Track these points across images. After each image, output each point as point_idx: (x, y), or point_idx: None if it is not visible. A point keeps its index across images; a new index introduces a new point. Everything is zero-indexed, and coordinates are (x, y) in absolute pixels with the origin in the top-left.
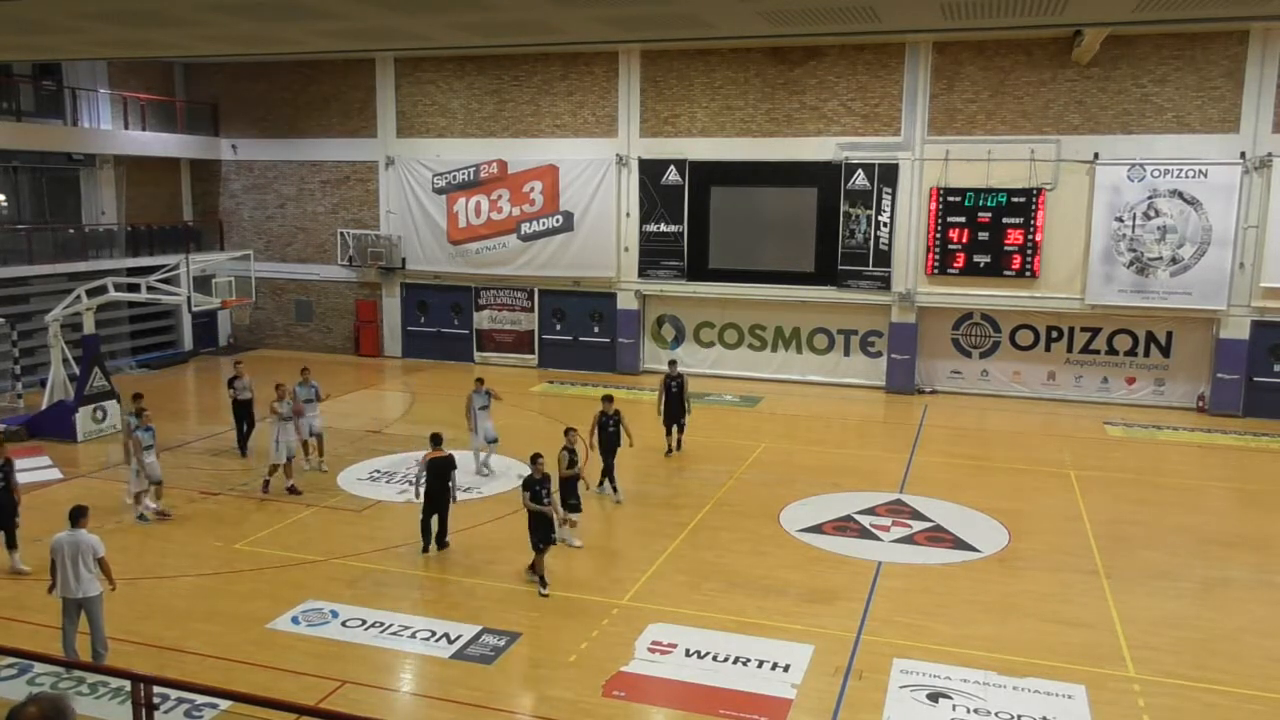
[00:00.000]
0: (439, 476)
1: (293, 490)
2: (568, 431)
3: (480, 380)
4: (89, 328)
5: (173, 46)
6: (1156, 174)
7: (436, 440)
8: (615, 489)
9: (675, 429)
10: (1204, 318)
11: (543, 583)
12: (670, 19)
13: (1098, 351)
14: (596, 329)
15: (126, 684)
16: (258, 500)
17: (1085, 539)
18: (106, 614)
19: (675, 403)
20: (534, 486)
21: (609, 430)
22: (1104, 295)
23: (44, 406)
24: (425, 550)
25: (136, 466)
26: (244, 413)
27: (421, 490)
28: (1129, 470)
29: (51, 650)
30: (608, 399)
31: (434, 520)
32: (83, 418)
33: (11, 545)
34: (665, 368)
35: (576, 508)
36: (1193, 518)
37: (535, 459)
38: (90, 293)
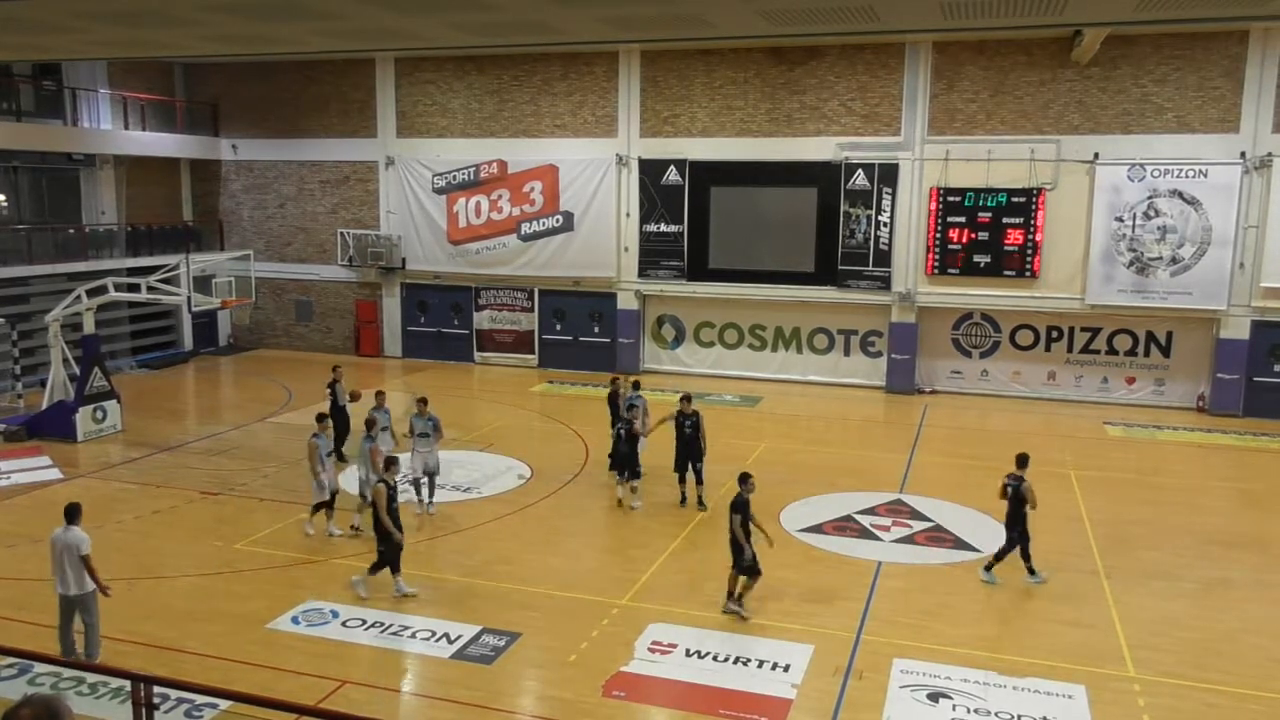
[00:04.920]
0: (679, 430)
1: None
2: (629, 408)
3: (636, 384)
4: (89, 328)
5: (173, 46)
6: (1156, 174)
7: (686, 398)
8: (700, 502)
9: (692, 476)
10: (1204, 318)
11: (738, 601)
12: (670, 19)
13: (1098, 351)
14: (596, 329)
15: (126, 684)
16: (258, 500)
17: (1085, 539)
18: (106, 614)
19: (690, 446)
20: (745, 510)
21: (685, 432)
22: (1104, 295)
23: (44, 406)
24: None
25: (317, 481)
26: (340, 418)
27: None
28: (1129, 470)
29: (51, 650)
30: (686, 398)
31: (689, 473)
32: (83, 418)
33: (395, 570)
34: (668, 367)
35: (638, 474)
36: (1193, 518)
37: (745, 478)
38: (90, 293)
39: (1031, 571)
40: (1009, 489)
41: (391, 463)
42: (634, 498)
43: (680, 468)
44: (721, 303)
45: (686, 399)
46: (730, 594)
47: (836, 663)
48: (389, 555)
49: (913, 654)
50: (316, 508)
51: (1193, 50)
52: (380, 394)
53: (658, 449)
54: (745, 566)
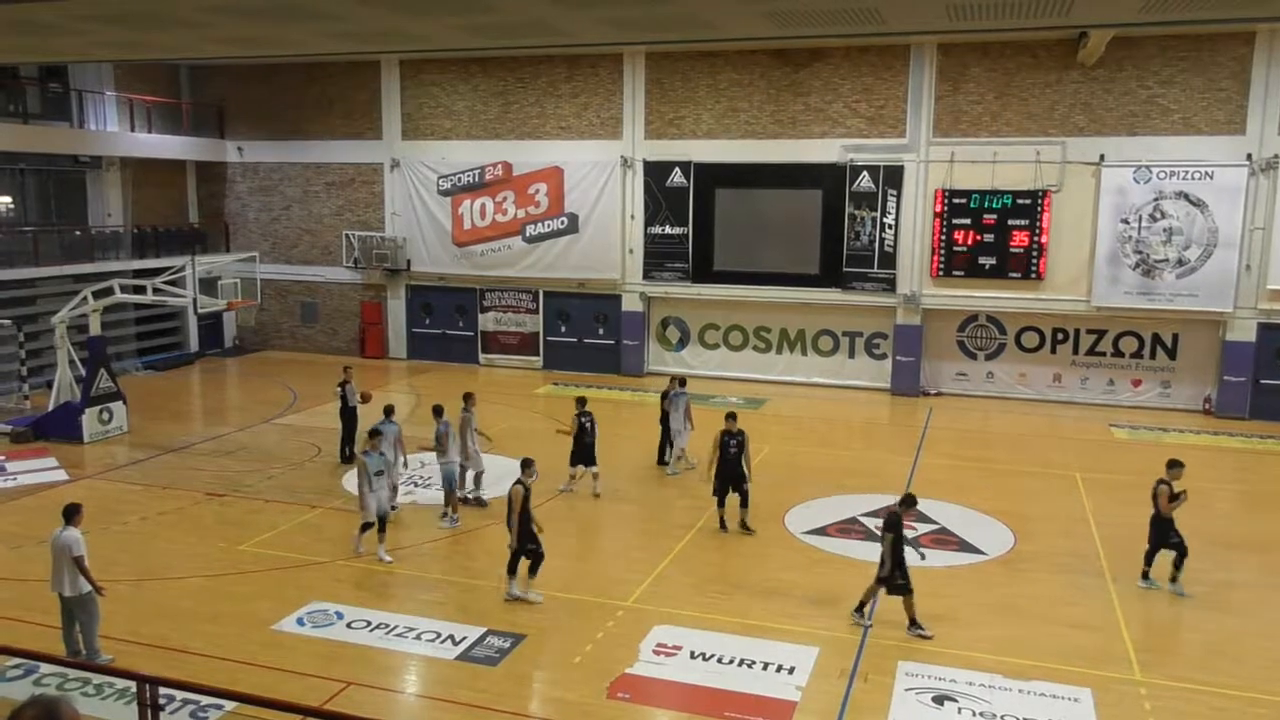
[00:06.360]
0: (724, 450)
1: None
2: (579, 400)
3: (682, 380)
4: (95, 329)
5: (178, 48)
6: (1162, 176)
7: (731, 416)
8: (745, 526)
9: (735, 498)
10: (1210, 320)
11: (860, 612)
12: (675, 20)
13: (1103, 353)
14: (601, 331)
15: (132, 685)
16: (263, 501)
17: (1091, 541)
18: (112, 615)
19: (733, 466)
20: (899, 528)
21: (730, 452)
22: (1110, 297)
23: (50, 408)
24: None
25: (363, 502)
26: (350, 419)
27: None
28: (1135, 473)
29: (57, 651)
30: (731, 416)
31: (728, 498)
32: (89, 419)
33: (512, 571)
34: (673, 369)
35: (591, 462)
36: (1199, 520)
37: (909, 500)
38: (96, 294)
39: (1145, 575)
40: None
41: (528, 464)
42: (595, 484)
43: (721, 490)
44: (726, 305)
45: (732, 417)
46: (912, 620)
47: (841, 665)
48: (530, 554)
49: (918, 657)
50: (364, 527)
51: (1199, 52)
52: (469, 395)
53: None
54: (899, 585)
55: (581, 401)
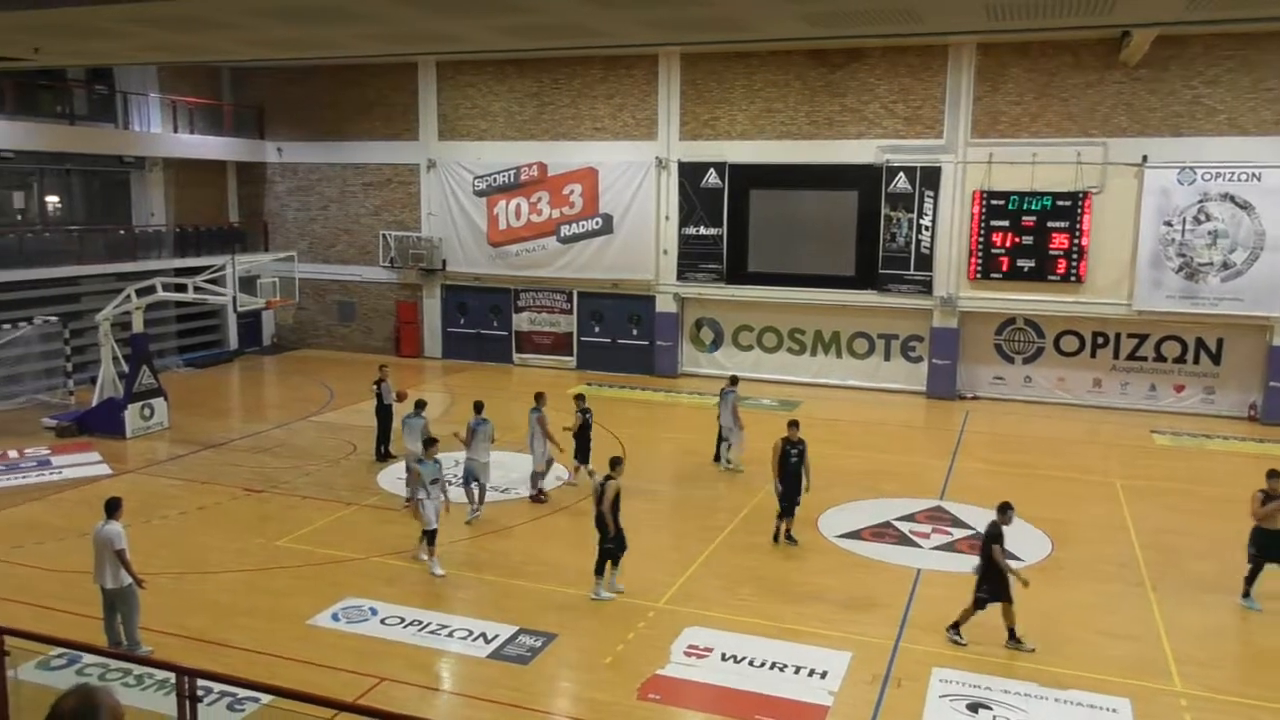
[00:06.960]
0: (785, 459)
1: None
2: (579, 397)
3: (734, 379)
4: (138, 327)
5: (221, 51)
6: (1207, 177)
7: (794, 424)
8: (790, 536)
9: (786, 510)
10: (1256, 324)
11: (956, 630)
12: (711, 22)
13: (1145, 358)
14: (635, 331)
15: (171, 676)
16: (300, 498)
17: (1131, 549)
18: (152, 607)
19: (794, 476)
20: (1002, 539)
21: (790, 462)
22: (1152, 301)
23: (94, 403)
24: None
25: (421, 509)
26: (386, 417)
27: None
28: (1177, 480)
29: (99, 641)
30: (794, 424)
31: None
32: (131, 414)
33: (610, 565)
34: (706, 370)
35: (586, 460)
36: (1242, 530)
37: (1005, 508)
38: (139, 292)
39: (1246, 594)
40: None
41: (617, 462)
42: (576, 477)
43: (786, 500)
44: (760, 306)
45: (794, 425)
46: (956, 624)
47: (874, 670)
48: (613, 551)
49: (952, 663)
50: (429, 538)
51: (1246, 50)
52: (540, 395)
53: (756, 477)
54: (981, 598)
55: (581, 398)
